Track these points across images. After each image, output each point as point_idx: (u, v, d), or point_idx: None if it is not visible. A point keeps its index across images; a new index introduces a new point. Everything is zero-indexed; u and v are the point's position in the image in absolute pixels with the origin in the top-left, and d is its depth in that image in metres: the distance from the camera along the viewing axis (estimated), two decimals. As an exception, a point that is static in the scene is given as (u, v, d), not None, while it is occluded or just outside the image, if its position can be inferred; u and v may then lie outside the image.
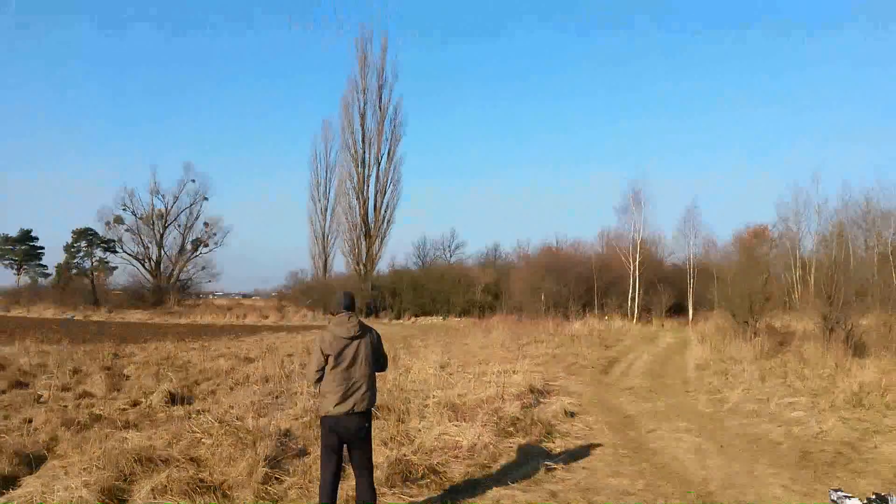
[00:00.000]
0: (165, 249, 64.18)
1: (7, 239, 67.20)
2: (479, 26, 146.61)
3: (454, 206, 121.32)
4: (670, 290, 42.59)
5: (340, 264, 59.35)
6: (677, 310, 44.05)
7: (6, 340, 21.94)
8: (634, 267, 43.09)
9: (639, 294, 42.99)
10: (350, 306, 5.55)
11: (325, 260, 60.55)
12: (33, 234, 68.33)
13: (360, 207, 53.31)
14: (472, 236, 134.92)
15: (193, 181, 64.24)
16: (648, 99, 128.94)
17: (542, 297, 43.55)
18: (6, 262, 67.92)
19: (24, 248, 67.90)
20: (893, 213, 36.70)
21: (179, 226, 64.65)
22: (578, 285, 43.70)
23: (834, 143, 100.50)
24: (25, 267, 68.69)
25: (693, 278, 43.10)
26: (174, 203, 64.11)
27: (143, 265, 63.48)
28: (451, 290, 49.33)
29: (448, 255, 63.05)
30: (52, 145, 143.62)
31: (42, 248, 69.25)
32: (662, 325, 40.68)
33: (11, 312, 54.27)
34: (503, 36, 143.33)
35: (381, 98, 53.89)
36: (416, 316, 49.64)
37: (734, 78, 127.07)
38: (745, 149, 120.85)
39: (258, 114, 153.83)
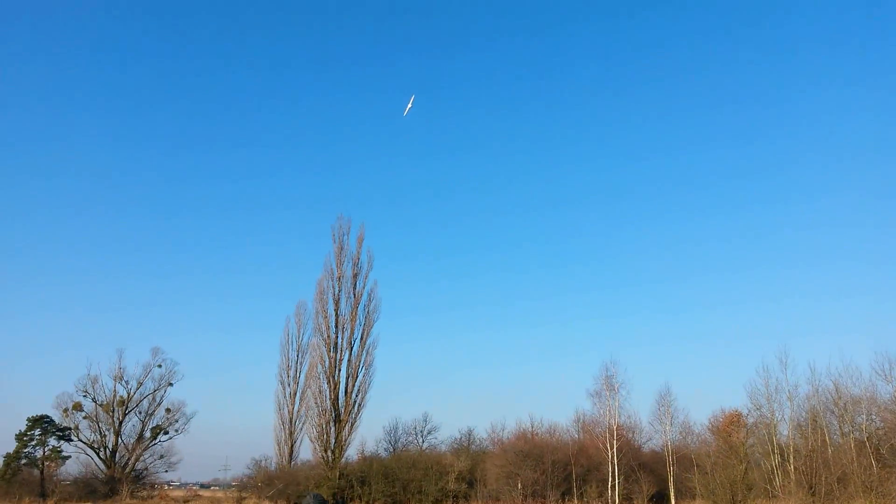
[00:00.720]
0: (123, 437, 61.27)
1: (-45, 426, 63.68)
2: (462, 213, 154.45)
3: (427, 390, 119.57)
4: (650, 478, 41.24)
5: (307, 450, 56.76)
6: (659, 498, 42.35)
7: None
8: (612, 454, 41.95)
9: (619, 482, 41.43)
10: None
11: (291, 446, 57.91)
12: (-16, 421, 64.99)
13: (330, 392, 52.31)
14: (445, 419, 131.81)
15: (160, 366, 63.07)
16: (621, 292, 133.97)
17: (520, 485, 41.71)
18: (-49, 451, 63.78)
19: (-28, 436, 64.13)
20: (863, 398, 36.89)
21: (140, 412, 62.35)
22: (556, 472, 42.16)
23: (800, 324, 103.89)
24: (-29, 457, 64.44)
25: (672, 465, 41.93)
26: (137, 389, 62.36)
27: (98, 454, 60.14)
28: (424, 479, 47.08)
29: (420, 441, 60.90)
30: (11, 328, 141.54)
31: (-8, 436, 65.51)
32: (645, 516, 38.85)
33: (-53, 507, 50.14)
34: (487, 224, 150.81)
35: (355, 285, 55.23)
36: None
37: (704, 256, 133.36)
38: (713, 332, 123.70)
39: (231, 294, 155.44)
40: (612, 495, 41.38)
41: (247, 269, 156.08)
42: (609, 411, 43.84)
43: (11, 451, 60.59)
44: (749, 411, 44.90)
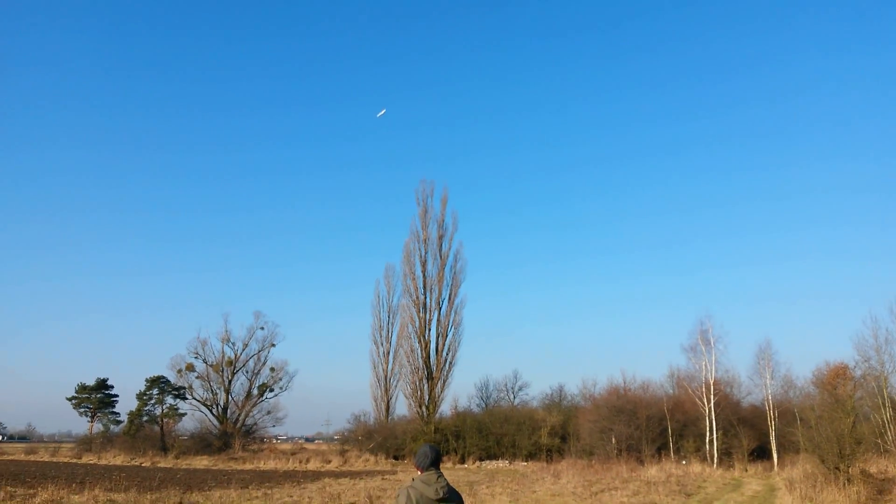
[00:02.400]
0: (232, 395, 65.13)
1: (84, 388, 69.61)
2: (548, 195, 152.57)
3: (517, 347, 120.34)
4: (750, 433, 40.13)
5: (403, 407, 58.67)
6: (760, 453, 41.22)
7: (76, 489, 22.22)
8: (710, 408, 41.06)
9: (717, 436, 40.61)
10: (436, 462, 5.17)
11: (388, 402, 60.03)
12: (109, 382, 70.68)
13: (421, 350, 53.59)
14: (536, 377, 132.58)
15: (262, 328, 66.24)
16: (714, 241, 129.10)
17: (613, 440, 41.63)
18: (82, 410, 69.94)
19: (100, 397, 70.00)
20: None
21: (247, 372, 65.93)
22: (651, 427, 41.70)
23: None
24: (99, 414, 70.44)
25: (774, 420, 40.63)
26: (243, 350, 65.86)
27: (211, 411, 64.32)
28: (517, 433, 47.73)
29: (512, 397, 61.62)
30: (130, 297, 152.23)
31: (116, 396, 71.28)
32: (745, 470, 37.99)
33: (83, 459, 55.15)
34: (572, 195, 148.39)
35: (440, 247, 55.82)
36: (481, 460, 47.90)
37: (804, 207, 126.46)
38: (816, 282, 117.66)
39: (324, 258, 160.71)
40: (709, 450, 40.67)
41: (337, 232, 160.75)
42: (705, 366, 42.83)
43: (134, 409, 65.85)
44: (856, 363, 42.73)
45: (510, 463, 46.71)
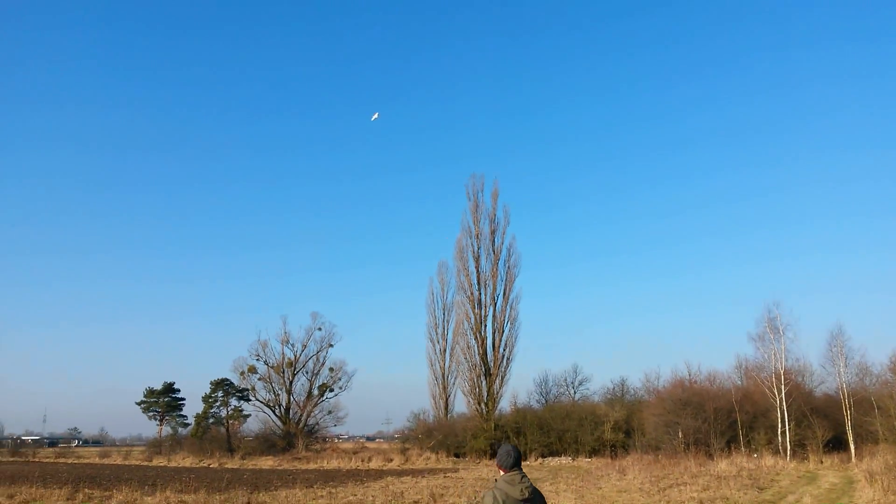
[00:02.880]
0: (294, 396, 66.20)
1: (152, 392, 71.82)
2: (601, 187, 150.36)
3: (576, 341, 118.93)
4: (825, 423, 38.43)
5: (461, 404, 58.54)
6: (835, 444, 39.45)
7: (149, 491, 22.79)
8: (781, 399, 39.49)
9: (789, 428, 39.03)
10: (518, 462, 5.14)
11: (446, 400, 59.94)
12: (175, 386, 72.76)
13: (478, 347, 53.25)
14: (596, 371, 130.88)
15: (320, 329, 67.11)
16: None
17: (680, 434, 40.49)
18: (150, 413, 72.19)
19: (167, 400, 72.09)
20: None
21: (307, 372, 66.94)
22: (719, 420, 40.39)
23: None
24: (167, 418, 72.58)
25: (850, 409, 38.82)
26: (302, 351, 66.86)
27: (274, 412, 65.52)
28: (579, 429, 46.97)
29: (572, 392, 60.75)
30: (193, 302, 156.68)
31: (183, 399, 73.30)
32: (821, 462, 36.39)
33: (153, 462, 56.90)
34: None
35: (493, 241, 55.31)
36: (543, 457, 47.34)
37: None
38: (891, 265, 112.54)
39: (377, 258, 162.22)
40: (781, 441, 39.13)
41: (390, 232, 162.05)
42: (774, 355, 41.22)
43: (200, 412, 67.60)
44: (940, 348, 40.55)
45: (573, 459, 46.02)
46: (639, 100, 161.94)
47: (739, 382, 45.72)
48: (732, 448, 39.53)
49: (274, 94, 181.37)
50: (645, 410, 45.44)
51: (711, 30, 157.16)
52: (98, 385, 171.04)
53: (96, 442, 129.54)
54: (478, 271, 54.89)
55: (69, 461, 60.77)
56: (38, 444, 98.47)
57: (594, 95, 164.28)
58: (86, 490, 23.96)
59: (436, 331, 61.74)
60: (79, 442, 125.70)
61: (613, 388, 57.46)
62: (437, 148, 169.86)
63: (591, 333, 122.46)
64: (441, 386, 60.07)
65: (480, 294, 54.29)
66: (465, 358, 53.94)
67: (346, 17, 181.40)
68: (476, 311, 53.92)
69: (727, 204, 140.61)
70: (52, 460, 61.94)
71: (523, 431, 48.92)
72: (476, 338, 53.40)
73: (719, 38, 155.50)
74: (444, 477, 32.12)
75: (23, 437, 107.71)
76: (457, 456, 50.63)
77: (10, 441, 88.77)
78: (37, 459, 63.50)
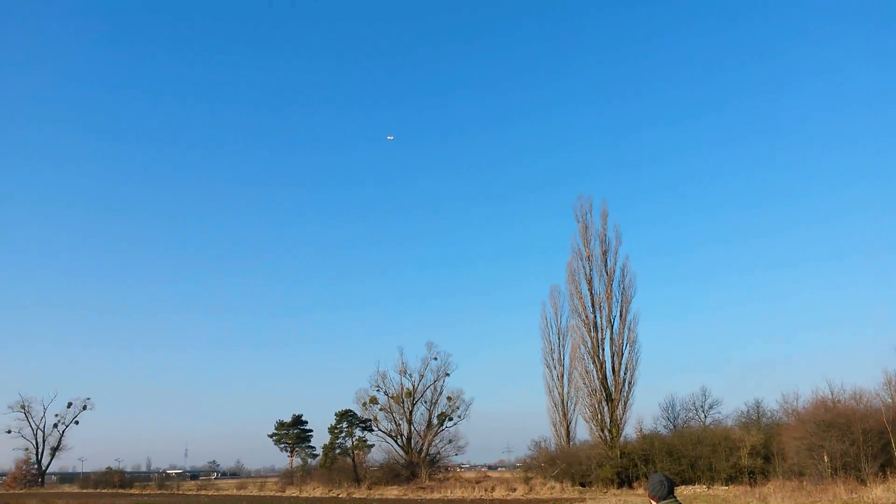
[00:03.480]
0: (414, 425, 67.08)
1: (282, 424, 75.12)
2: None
3: (703, 363, 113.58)
4: None
5: (583, 430, 57.12)
6: None
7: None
8: (943, 417, 35.77)
9: (955, 450, 35.22)
10: (672, 491, 5.06)
11: (567, 427, 58.66)
12: (303, 418, 75.74)
13: (597, 371, 51.85)
14: (727, 394, 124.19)
15: (435, 359, 67.85)
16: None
17: (826, 458, 37.47)
18: (282, 445, 75.48)
19: (296, 432, 75.15)
20: None
21: (426, 402, 67.69)
22: (869, 442, 37.04)
23: None
24: (297, 449, 75.59)
25: None
26: (419, 381, 67.78)
27: (396, 441, 66.61)
28: (712, 455, 44.50)
29: (702, 416, 57.74)
30: (315, 334, 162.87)
31: (311, 430, 76.18)
32: None
33: (286, 493, 59.29)
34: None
35: (605, 263, 53.99)
36: (675, 485, 45.12)
37: None
38: None
39: (486, 285, 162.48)
40: (947, 466, 35.36)
41: (497, 259, 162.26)
42: (929, 369, 37.46)
43: (327, 443, 69.91)
44: None
45: (708, 487, 43.64)
46: (761, 106, 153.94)
47: (889, 400, 41.82)
48: (888, 473, 36.13)
49: (401, 126, 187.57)
50: (784, 434, 42.42)
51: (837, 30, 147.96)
52: (233, 419, 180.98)
53: (233, 474, 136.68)
54: (591, 294, 53.76)
55: (210, 493, 64.49)
56: (181, 477, 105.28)
57: (709, 106, 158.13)
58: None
59: (552, 356, 60.91)
60: (217, 474, 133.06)
61: (748, 411, 54.01)
62: (539, 171, 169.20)
63: (719, 354, 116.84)
64: (561, 413, 58.96)
65: (596, 317, 53.07)
66: (585, 383, 52.69)
67: (448, 47, 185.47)
68: (592, 334, 52.69)
69: (861, 213, 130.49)
70: (194, 492, 65.98)
71: (652, 459, 46.95)
72: (594, 362, 52.09)
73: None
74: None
75: (167, 471, 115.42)
76: (582, 485, 49.30)
77: (156, 475, 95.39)
78: (181, 492, 67.85)
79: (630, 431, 52.90)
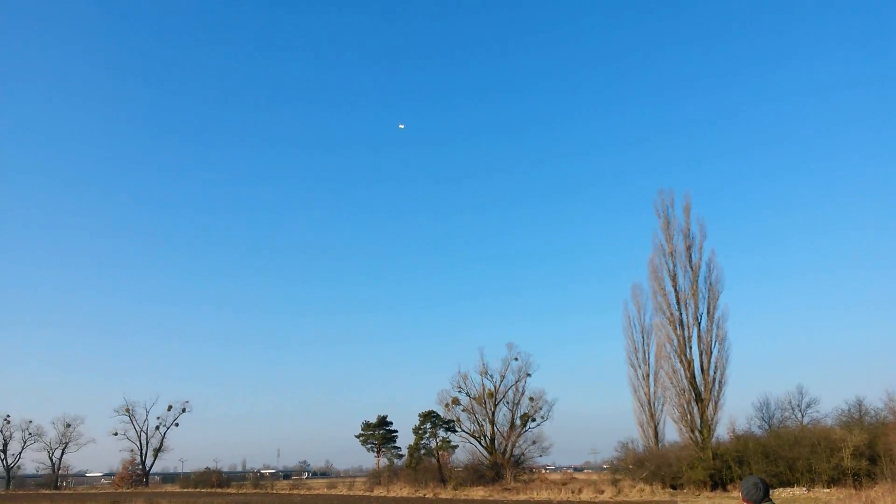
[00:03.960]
0: (497, 426, 67.07)
1: (369, 425, 76.77)
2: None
3: (798, 361, 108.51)
4: None
5: (671, 431, 55.46)
6: None
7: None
8: None
9: None
10: (767, 495, 4.92)
11: (655, 428, 57.27)
12: (388, 419, 77.15)
13: (685, 370, 50.32)
14: (825, 391, 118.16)
15: (516, 359, 67.62)
16: None
17: (940, 461, 35.10)
18: (368, 446, 77.17)
19: (382, 433, 76.66)
20: None
21: (508, 403, 67.56)
22: None
23: None
24: (383, 449, 77.10)
25: None
26: (501, 382, 67.71)
27: (480, 442, 66.81)
28: (812, 456, 42.41)
29: (799, 415, 55.13)
30: (398, 334, 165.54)
31: (396, 431, 77.50)
32: None
33: (374, 492, 60.51)
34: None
35: (689, 258, 52.33)
36: (772, 487, 43.27)
37: None
38: None
39: (564, 282, 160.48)
40: None
41: (574, 255, 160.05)
42: None
43: (412, 443, 70.93)
44: None
45: (808, 490, 41.64)
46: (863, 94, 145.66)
47: None
48: None
49: (481, 121, 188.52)
50: (891, 434, 39.98)
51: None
52: (322, 421, 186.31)
53: (323, 473, 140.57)
54: (675, 290, 52.22)
55: (302, 492, 66.59)
56: (274, 476, 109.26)
57: (807, 94, 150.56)
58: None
59: (636, 355, 59.63)
60: (308, 474, 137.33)
61: (849, 410, 51.20)
62: (617, 165, 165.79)
63: (816, 351, 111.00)
64: (648, 413, 57.61)
65: (681, 314, 51.51)
66: (672, 383, 51.24)
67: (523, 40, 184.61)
68: (678, 332, 51.17)
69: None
70: (286, 492, 68.26)
71: (746, 460, 45.22)
72: (681, 361, 50.58)
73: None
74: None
75: (261, 471, 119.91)
76: (673, 488, 48.03)
77: (251, 475, 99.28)
78: (274, 491, 70.38)
79: (722, 432, 51.15)
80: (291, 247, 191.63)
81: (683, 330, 51.11)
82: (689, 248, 52.81)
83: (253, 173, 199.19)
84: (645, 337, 59.25)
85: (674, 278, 52.54)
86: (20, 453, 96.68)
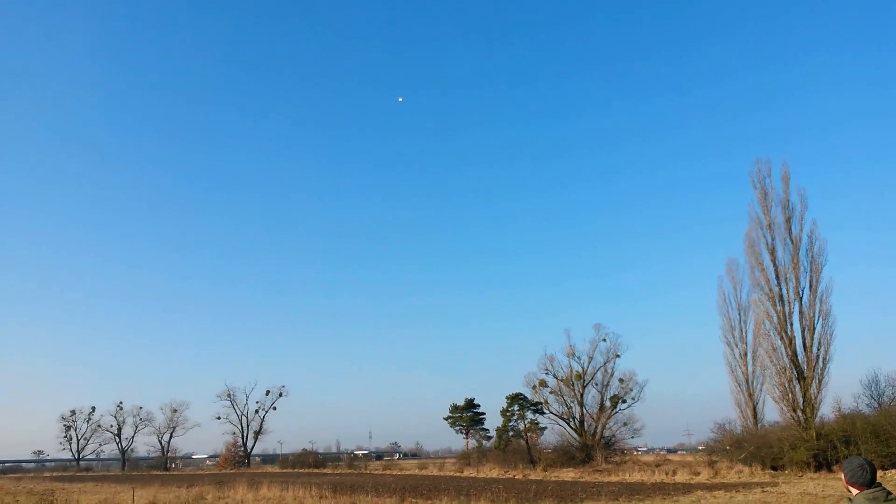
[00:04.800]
0: (586, 408, 66.06)
1: (456, 408, 77.44)
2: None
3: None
4: None
5: (771, 411, 52.83)
6: None
7: (465, 501, 24.38)
8: None
9: None
10: (875, 477, 4.46)
11: (753, 408, 54.70)
12: (476, 401, 77.56)
13: (785, 348, 47.74)
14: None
15: (604, 340, 66.25)
16: None
17: None
18: (457, 428, 77.90)
19: (470, 415, 77.16)
20: None
21: (596, 384, 66.37)
22: None
23: None
24: (472, 431, 77.64)
25: None
26: (589, 363, 66.56)
27: (569, 424, 66.06)
28: (928, 437, 39.43)
29: (914, 393, 51.19)
30: (482, 316, 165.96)
31: (483, 413, 77.83)
32: None
33: (464, 473, 61.03)
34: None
35: (790, 230, 49.39)
36: (884, 468, 40.53)
37: None
38: None
39: (657, 263, 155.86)
40: None
41: (667, 232, 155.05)
42: None
43: (500, 425, 71.06)
44: None
45: (925, 472, 38.75)
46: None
47: None
48: None
49: (568, 100, 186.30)
50: None
51: None
52: (411, 403, 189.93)
53: (413, 455, 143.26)
54: (774, 265, 49.49)
55: (393, 472, 68.05)
56: (367, 457, 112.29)
57: None
58: (410, 499, 26.48)
59: (732, 334, 57.01)
60: (399, 455, 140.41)
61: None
62: (711, 138, 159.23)
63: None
64: (746, 393, 55.08)
65: (781, 289, 48.79)
66: (772, 361, 48.70)
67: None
68: (778, 308, 48.54)
69: None
70: (379, 472, 69.98)
71: (854, 440, 42.52)
72: (782, 338, 47.97)
73: None
74: (763, 492, 29.20)
75: (355, 452, 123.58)
76: (773, 469, 45.80)
77: (345, 456, 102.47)
78: (367, 471, 72.28)
79: (826, 411, 48.25)
80: (390, 235, 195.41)
81: (784, 306, 48.46)
82: (788, 220, 49.92)
83: (365, 168, 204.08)
84: (742, 314, 56.60)
85: (772, 252, 49.86)
86: (133, 437, 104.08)
